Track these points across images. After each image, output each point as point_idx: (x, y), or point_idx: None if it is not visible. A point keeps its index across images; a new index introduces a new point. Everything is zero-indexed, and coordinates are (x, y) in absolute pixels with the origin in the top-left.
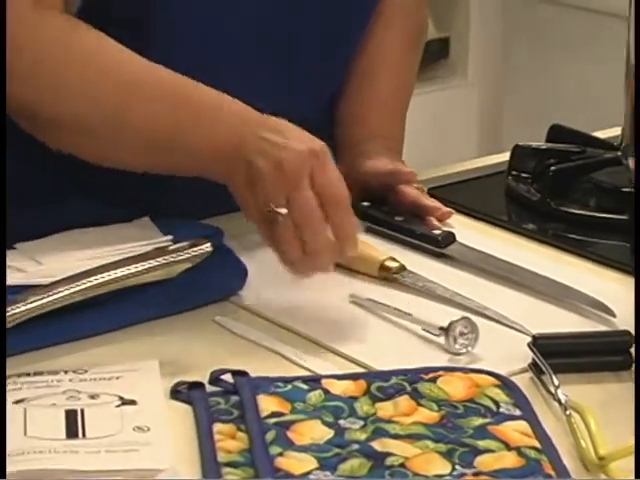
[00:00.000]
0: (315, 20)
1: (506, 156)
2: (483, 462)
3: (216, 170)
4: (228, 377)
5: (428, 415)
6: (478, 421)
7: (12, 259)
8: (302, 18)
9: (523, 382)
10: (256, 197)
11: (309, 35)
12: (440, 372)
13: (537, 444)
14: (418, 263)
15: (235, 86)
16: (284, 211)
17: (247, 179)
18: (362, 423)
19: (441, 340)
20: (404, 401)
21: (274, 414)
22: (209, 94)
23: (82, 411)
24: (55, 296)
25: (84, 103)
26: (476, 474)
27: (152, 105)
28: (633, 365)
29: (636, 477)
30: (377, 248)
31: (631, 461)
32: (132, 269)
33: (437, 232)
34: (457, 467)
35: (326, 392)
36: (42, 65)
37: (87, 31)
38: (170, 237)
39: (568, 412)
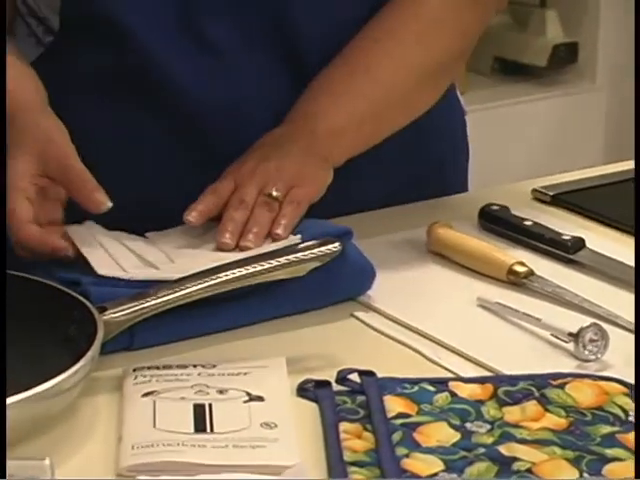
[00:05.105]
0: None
1: None
2: (612, 471)
3: None
4: (355, 377)
5: (556, 421)
6: (607, 429)
7: (145, 251)
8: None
9: None
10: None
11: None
12: (569, 378)
13: None
14: (546, 268)
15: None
16: None
17: None
18: (489, 427)
19: (570, 346)
20: (532, 406)
21: (400, 415)
22: None
23: (210, 406)
24: (184, 291)
25: None
26: None
27: None
28: None
29: (636, 477)
30: (505, 252)
31: None
32: (260, 267)
33: (566, 237)
34: (585, 475)
35: (453, 395)
36: None
37: None
38: (299, 236)
39: None
